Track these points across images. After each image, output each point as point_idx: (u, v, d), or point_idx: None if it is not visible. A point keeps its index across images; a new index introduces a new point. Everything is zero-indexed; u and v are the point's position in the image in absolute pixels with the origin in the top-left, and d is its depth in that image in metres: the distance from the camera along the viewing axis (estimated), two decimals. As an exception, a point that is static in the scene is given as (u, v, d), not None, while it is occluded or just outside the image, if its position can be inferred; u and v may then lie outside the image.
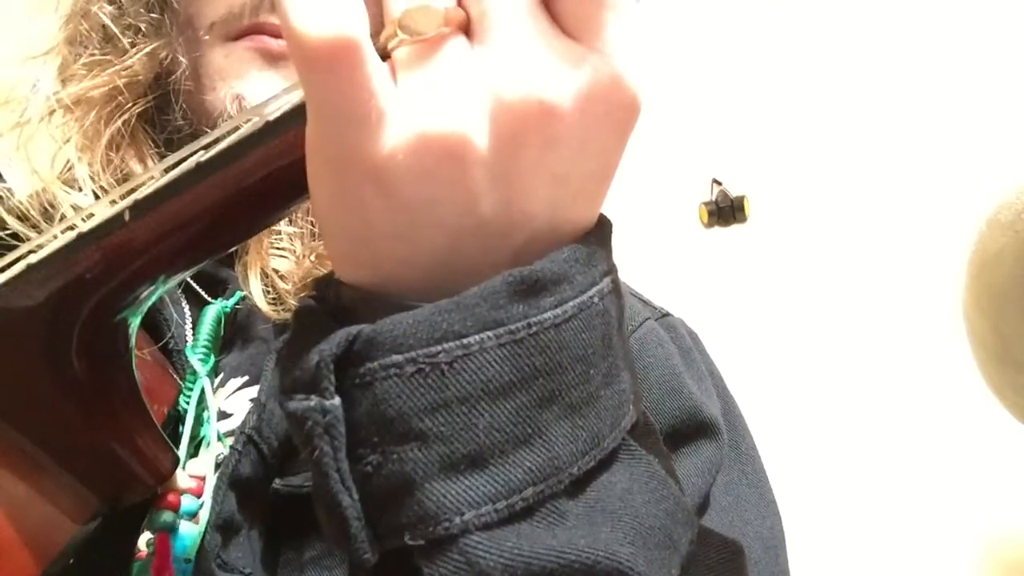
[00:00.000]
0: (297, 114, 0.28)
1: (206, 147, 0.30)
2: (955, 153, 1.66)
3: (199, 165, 0.30)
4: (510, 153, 0.24)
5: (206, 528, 0.40)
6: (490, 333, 0.24)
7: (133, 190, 0.31)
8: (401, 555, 0.25)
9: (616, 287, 0.28)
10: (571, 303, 0.26)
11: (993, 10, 1.65)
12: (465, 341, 0.24)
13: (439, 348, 0.24)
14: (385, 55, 0.25)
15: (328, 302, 0.28)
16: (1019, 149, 1.51)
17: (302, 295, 0.29)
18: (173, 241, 0.31)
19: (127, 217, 0.31)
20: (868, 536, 1.58)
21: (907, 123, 1.71)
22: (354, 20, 0.23)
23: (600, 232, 0.28)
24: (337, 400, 0.24)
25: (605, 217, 0.28)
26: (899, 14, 1.71)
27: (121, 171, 0.51)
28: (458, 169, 0.24)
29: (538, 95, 0.24)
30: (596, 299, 0.26)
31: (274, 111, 0.29)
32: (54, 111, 0.53)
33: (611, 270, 0.28)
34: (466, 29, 0.25)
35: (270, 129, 0.29)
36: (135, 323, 0.36)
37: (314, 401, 0.24)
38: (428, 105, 0.24)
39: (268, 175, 0.29)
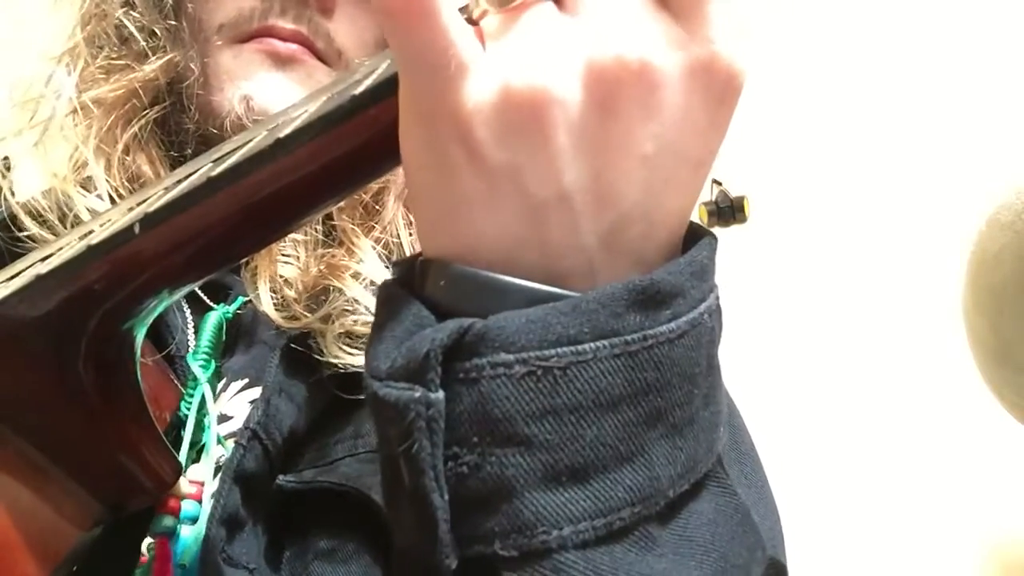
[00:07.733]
0: (308, 130, 0.28)
1: (217, 160, 0.30)
2: (955, 153, 1.66)
3: (209, 179, 0.29)
4: (601, 119, 0.23)
5: (208, 525, 0.41)
6: (606, 342, 0.23)
7: (143, 202, 0.31)
8: (479, 562, 0.23)
9: (719, 305, 0.27)
10: (684, 318, 0.24)
11: (993, 10, 1.65)
12: (580, 348, 0.23)
13: (552, 352, 0.23)
14: (473, 24, 0.24)
15: (413, 285, 0.26)
16: (1019, 149, 1.51)
17: (384, 281, 0.28)
18: (182, 254, 0.31)
19: (137, 230, 0.30)
20: (868, 536, 1.58)
21: (907, 123, 1.71)
22: None
23: (709, 245, 0.26)
24: (441, 394, 0.23)
25: (709, 230, 0.27)
26: (899, 14, 1.71)
27: (133, 173, 0.52)
28: (541, 130, 0.23)
29: (638, 57, 0.23)
30: (706, 316, 0.25)
31: (285, 125, 0.29)
32: (74, 111, 0.53)
33: (715, 286, 0.26)
34: None
35: (281, 145, 0.28)
36: (141, 333, 0.36)
37: (419, 392, 0.23)
38: (515, 61, 0.23)
39: (277, 191, 0.29)
